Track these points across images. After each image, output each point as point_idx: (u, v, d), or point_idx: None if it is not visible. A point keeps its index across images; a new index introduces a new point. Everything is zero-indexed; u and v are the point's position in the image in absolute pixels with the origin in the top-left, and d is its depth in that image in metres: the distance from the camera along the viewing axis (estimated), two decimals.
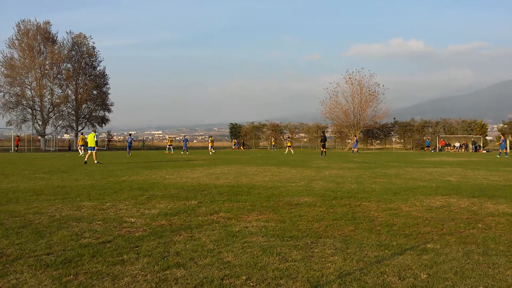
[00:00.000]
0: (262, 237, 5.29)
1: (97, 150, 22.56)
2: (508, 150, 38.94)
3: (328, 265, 4.16)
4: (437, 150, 54.42)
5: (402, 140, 65.92)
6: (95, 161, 21.44)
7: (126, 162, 22.67)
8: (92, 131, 23.38)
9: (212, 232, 5.54)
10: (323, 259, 4.36)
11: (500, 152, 33.89)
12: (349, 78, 60.43)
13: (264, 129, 72.48)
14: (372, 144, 66.19)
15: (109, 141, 67.48)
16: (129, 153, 34.93)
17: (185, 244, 4.93)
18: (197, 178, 13.04)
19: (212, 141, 42.18)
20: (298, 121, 73.70)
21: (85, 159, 21.59)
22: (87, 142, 23.24)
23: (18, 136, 51.72)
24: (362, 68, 67.37)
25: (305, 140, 71.55)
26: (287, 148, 44.62)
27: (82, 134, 40.36)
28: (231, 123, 76.02)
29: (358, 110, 60.61)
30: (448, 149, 55.89)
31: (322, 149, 32.45)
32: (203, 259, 4.36)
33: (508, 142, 34.26)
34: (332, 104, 61.20)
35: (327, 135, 49.06)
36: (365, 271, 3.99)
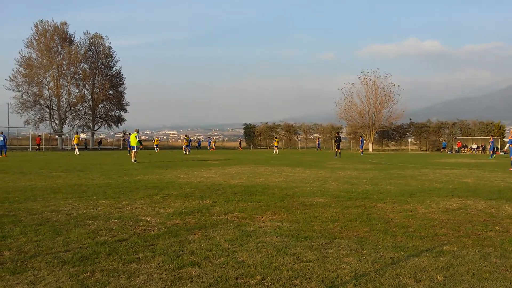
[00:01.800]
0: (277, 237, 5.29)
1: (98, 149, 23.26)
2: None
3: (343, 266, 4.14)
4: (453, 152, 53.75)
5: (418, 142, 65.25)
6: (133, 160, 22.04)
7: (141, 162, 22.83)
8: (135, 131, 24.06)
9: (227, 232, 5.56)
10: (338, 260, 4.34)
11: (492, 154, 34.18)
12: (364, 78, 60.15)
13: (278, 130, 72.43)
14: (388, 145, 65.65)
15: (124, 140, 68.07)
16: (129, 152, 35.29)
17: (199, 243, 4.96)
18: (211, 178, 13.09)
19: (188, 141, 41.92)
20: (312, 122, 73.54)
21: (133, 159, 22.40)
22: (130, 141, 24.37)
23: (40, 136, 52.45)
24: (378, 69, 66.97)
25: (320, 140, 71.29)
26: (275, 148, 44.19)
27: (77, 133, 41.51)
28: (245, 124, 76.16)
29: (373, 111, 60.25)
30: (465, 150, 55.16)
31: (336, 149, 32.30)
32: (217, 258, 4.37)
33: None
34: (347, 105, 60.98)
35: (341, 136, 48.76)
36: (381, 273, 3.96)
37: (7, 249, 4.64)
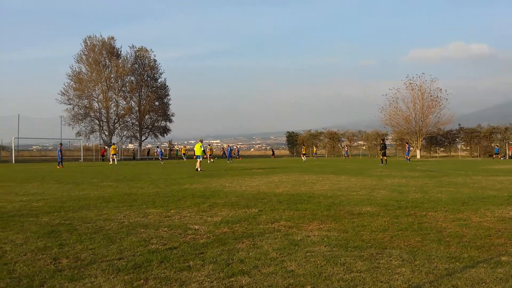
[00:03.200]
0: (325, 246, 5.23)
1: (152, 158, 24.10)
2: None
3: (396, 277, 4.04)
4: (507, 158, 51.30)
5: (468, 147, 62.80)
6: (199, 169, 22.75)
7: (187, 171, 23.24)
8: (199, 141, 24.96)
9: (274, 241, 5.56)
10: (390, 271, 4.23)
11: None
12: (410, 83, 58.63)
13: (321, 137, 71.85)
14: (436, 152, 63.58)
15: (170, 150, 69.69)
16: (162, 161, 39.88)
17: (248, 252, 4.98)
18: (256, 187, 13.14)
19: (211, 150, 42.55)
20: (355, 129, 72.47)
21: (196, 167, 22.95)
22: (194, 150, 25.49)
23: (105, 148, 54.48)
24: (423, 73, 65.02)
25: (364, 148, 70.09)
26: (302, 155, 45.76)
27: (114, 144, 44.57)
28: (287, 132, 76.16)
29: (420, 116, 58.55)
30: None
31: (382, 157, 31.61)
32: (266, 267, 4.37)
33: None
34: (392, 111, 59.56)
35: (387, 142, 47.70)
36: (436, 284, 3.83)
37: (65, 257, 4.84)
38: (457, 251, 4.96)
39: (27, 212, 8.16)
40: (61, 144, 36.09)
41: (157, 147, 46.40)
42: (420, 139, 59.05)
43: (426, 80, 58.42)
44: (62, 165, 31.62)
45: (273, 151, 71.54)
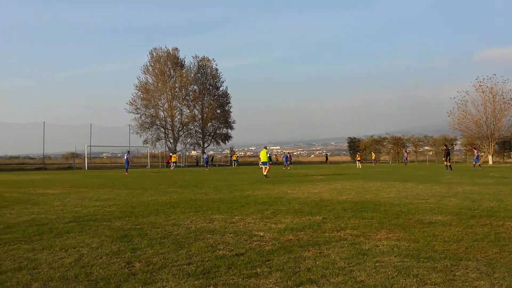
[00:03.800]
0: (395, 257, 5.05)
1: (215, 165, 24.84)
2: None
3: None
4: None
5: None
6: (266, 175, 23.12)
7: (247, 178, 23.45)
8: (264, 147, 25.51)
9: (341, 250, 5.44)
10: (467, 284, 4.01)
11: None
12: (480, 85, 55.63)
13: (384, 143, 69.90)
14: (510, 157, 59.70)
15: (231, 157, 70.78)
16: (206, 168, 43.62)
17: (315, 261, 4.91)
18: (318, 193, 12.99)
19: (272, 156, 43.60)
20: (421, 134, 69.79)
21: (264, 173, 23.36)
22: (259, 157, 26.38)
23: (170, 155, 56.26)
24: (494, 74, 61.07)
25: (431, 153, 67.33)
26: (357, 162, 47.15)
27: (174, 153, 48.73)
28: (349, 137, 74.91)
29: (492, 120, 55.32)
30: None
31: (446, 163, 30.20)
32: (335, 277, 4.29)
33: None
34: (460, 115, 56.79)
35: (456, 147, 45.46)
36: None
37: (137, 261, 5.02)
38: None
39: (101, 216, 8.59)
40: (128, 151, 37.95)
41: (204, 153, 50.23)
42: (492, 144, 55.78)
43: (497, 82, 55.23)
44: (127, 171, 33.09)
45: (327, 157, 71.31)
